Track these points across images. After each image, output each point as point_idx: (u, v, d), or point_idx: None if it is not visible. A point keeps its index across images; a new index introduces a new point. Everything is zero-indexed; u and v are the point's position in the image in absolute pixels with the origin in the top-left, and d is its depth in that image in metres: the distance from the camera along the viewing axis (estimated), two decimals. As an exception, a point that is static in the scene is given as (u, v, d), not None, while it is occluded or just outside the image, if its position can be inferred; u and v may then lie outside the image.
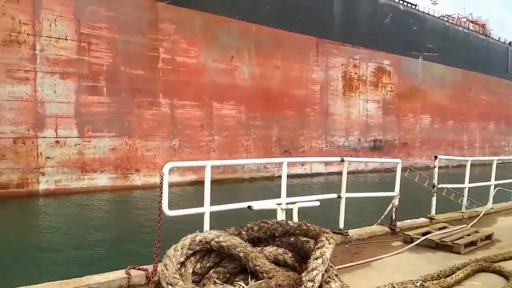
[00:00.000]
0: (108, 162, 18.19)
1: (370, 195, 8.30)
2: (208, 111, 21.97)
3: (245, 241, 3.85)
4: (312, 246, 3.85)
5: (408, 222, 7.90)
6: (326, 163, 28.19)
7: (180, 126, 20.76)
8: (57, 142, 16.88)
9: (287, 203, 5.75)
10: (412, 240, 6.44)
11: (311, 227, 4.08)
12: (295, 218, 5.45)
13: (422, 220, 8.17)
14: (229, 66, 23.03)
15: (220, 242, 3.74)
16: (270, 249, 3.90)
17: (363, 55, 31.11)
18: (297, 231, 4.07)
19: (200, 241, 3.80)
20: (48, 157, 16.59)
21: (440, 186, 8.58)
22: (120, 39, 18.77)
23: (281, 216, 5.47)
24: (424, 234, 6.65)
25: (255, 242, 4.00)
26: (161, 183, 4.39)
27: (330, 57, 28.81)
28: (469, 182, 9.27)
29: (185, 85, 20.95)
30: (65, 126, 17.11)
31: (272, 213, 5.45)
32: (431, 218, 8.28)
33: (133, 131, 19.05)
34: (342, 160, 6.93)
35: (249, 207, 5.27)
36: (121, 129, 18.67)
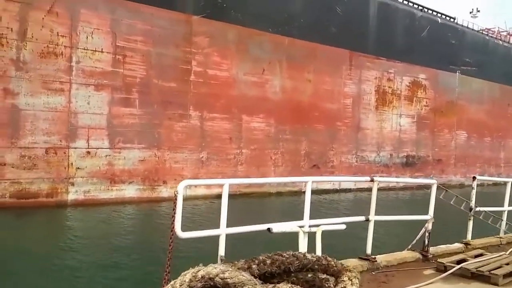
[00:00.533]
0: (137, 174, 18.36)
1: (401, 218, 7.71)
2: (237, 124, 21.89)
3: (256, 277, 3.46)
4: (332, 285, 3.49)
5: (442, 247, 7.49)
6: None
7: (209, 138, 20.77)
8: (88, 152, 17.16)
9: (310, 226, 5.41)
10: (445, 268, 6.00)
11: (332, 262, 3.61)
12: (318, 242, 5.19)
13: (456, 245, 7.73)
14: (260, 79, 22.91)
15: (226, 278, 3.31)
16: (284, 287, 3.50)
17: (398, 69, 30.37)
18: (316, 266, 3.65)
19: (202, 277, 3.35)
20: (78, 168, 16.88)
21: (478, 209, 8.10)
22: (154, 52, 18.96)
23: (303, 240, 5.18)
24: (459, 262, 6.24)
25: (267, 277, 3.61)
26: (174, 202, 4.14)
27: (364, 70, 28.25)
28: (509, 205, 8.78)
29: (216, 98, 20.96)
30: (97, 137, 17.38)
31: (294, 236, 5.20)
32: (467, 244, 7.81)
33: (163, 143, 19.17)
34: (372, 180, 6.43)
35: (268, 229, 4.93)
36: (151, 140, 18.83)
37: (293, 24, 24.17)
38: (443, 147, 33.54)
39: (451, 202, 7.50)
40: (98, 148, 17.42)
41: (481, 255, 6.81)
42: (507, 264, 6.20)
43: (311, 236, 5.26)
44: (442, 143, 33.47)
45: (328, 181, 7.19)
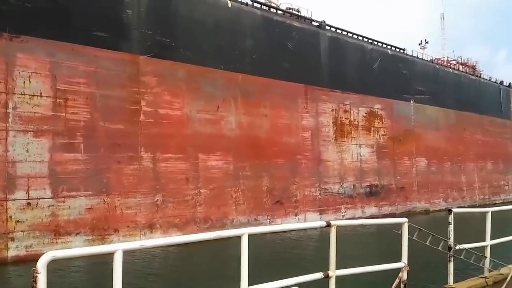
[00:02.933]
0: (84, 223, 17.07)
1: (369, 270, 6.09)
2: (193, 163, 21.11)
3: None
4: None
5: None
6: (322, 211, 27.12)
7: (164, 180, 19.83)
8: (29, 204, 15.86)
9: None
10: None
11: None
12: None
13: None
14: (215, 116, 22.44)
15: None
16: None
17: (353, 100, 30.75)
18: None
19: None
20: (18, 221, 15.51)
21: (458, 247, 7.04)
22: (99, 93, 18.23)
23: None
24: None
25: None
26: (33, 287, 2.91)
27: (320, 103, 28.38)
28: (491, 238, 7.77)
29: (169, 138, 20.22)
30: (38, 186, 16.15)
31: None
32: None
33: (112, 188, 18.08)
34: (329, 225, 5.18)
35: None
36: (99, 186, 17.71)
37: (246, 61, 24.14)
38: (405, 175, 33.71)
39: (427, 243, 6.39)
40: (39, 199, 16.16)
41: None
42: None
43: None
44: (403, 170, 33.67)
45: (267, 232, 6.03)
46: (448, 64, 44.85)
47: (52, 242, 16.15)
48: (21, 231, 15.52)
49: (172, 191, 20.03)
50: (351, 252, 15.43)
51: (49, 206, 16.37)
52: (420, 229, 6.23)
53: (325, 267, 5.13)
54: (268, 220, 23.93)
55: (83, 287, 12.92)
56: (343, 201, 28.53)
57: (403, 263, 5.88)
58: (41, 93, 16.70)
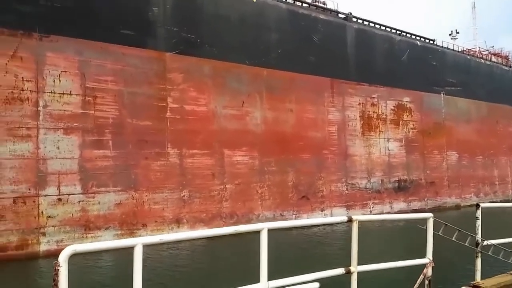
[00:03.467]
0: (113, 218, 17.42)
1: (392, 266, 5.90)
2: (219, 159, 21.19)
3: None
4: None
5: None
6: (348, 207, 26.80)
7: (190, 175, 19.99)
8: (60, 199, 16.28)
9: None
10: None
11: None
12: None
13: None
14: (240, 111, 22.42)
15: None
16: None
17: (381, 93, 30.14)
18: None
19: None
20: (49, 216, 15.95)
21: (485, 243, 6.82)
22: (126, 91, 18.48)
23: None
24: None
25: None
26: (55, 280, 2.92)
27: (346, 96, 27.94)
28: None
29: (195, 134, 20.35)
30: (68, 182, 16.56)
31: None
32: (476, 286, 6.57)
33: (140, 184, 18.36)
34: (351, 220, 5.07)
35: None
36: (127, 182, 18.01)
37: (271, 55, 23.97)
38: (435, 169, 32.89)
39: (453, 238, 6.20)
40: (70, 194, 16.56)
41: None
42: None
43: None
44: (433, 165, 32.85)
45: (287, 227, 5.94)
46: (480, 55, 43.30)
47: (82, 236, 16.55)
48: (52, 226, 15.96)
49: (198, 186, 20.18)
50: (374, 248, 15.02)
51: (79, 201, 16.77)
52: (446, 224, 6.07)
53: (348, 263, 5.06)
54: (294, 216, 23.82)
55: (105, 280, 13.16)
56: (370, 196, 28.11)
57: (427, 259, 5.75)
58: (70, 91, 17.05)
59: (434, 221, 5.82)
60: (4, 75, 15.54)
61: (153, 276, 12.70)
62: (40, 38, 16.49)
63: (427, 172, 32.24)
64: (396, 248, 15.87)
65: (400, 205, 29.67)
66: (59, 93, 16.72)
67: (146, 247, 3.51)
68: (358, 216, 5.22)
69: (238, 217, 21.33)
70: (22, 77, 15.92)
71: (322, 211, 25.32)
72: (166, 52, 19.76)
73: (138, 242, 3.45)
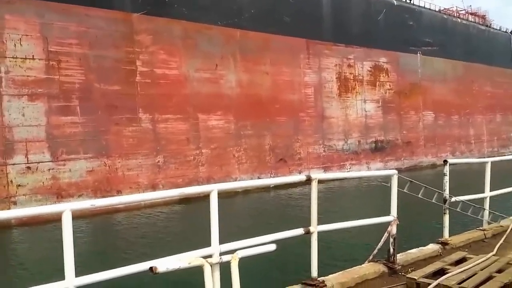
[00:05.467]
0: (86, 186, 17.14)
1: (353, 225, 5.68)
2: (193, 124, 20.88)
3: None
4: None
5: (413, 252, 6.03)
6: (326, 168, 26.98)
7: (164, 141, 19.68)
8: (29, 168, 15.87)
9: (221, 253, 3.85)
10: (419, 286, 4.70)
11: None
12: (235, 276, 3.69)
13: (431, 247, 6.29)
14: (213, 75, 21.96)
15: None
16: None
17: (357, 54, 29.89)
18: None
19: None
20: (19, 185, 15.58)
21: (453, 199, 6.68)
22: (92, 54, 17.80)
23: (210, 277, 3.58)
24: (435, 273, 4.97)
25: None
26: None
27: (322, 58, 27.63)
28: (490, 190, 7.37)
29: (167, 98, 19.90)
30: (36, 150, 16.10)
31: (197, 271, 3.57)
32: (444, 243, 6.44)
33: (112, 150, 18.00)
34: (309, 180, 4.79)
35: (151, 269, 3.30)
36: (99, 149, 17.63)
37: (244, 16, 23.33)
38: (411, 129, 33.24)
39: (419, 195, 6.03)
40: (39, 162, 16.14)
41: (463, 259, 5.54)
42: (499, 271, 4.98)
43: (226, 268, 3.77)
44: (410, 125, 33.16)
45: (239, 188, 5.65)
46: (457, 14, 43.13)
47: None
48: (23, 195, 15.61)
49: (173, 151, 19.93)
50: (337, 208, 14.58)
51: (49, 169, 16.38)
52: (411, 181, 5.88)
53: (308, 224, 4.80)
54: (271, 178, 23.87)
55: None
56: (347, 157, 28.32)
57: (392, 216, 5.57)
58: (33, 56, 16.34)
59: (399, 178, 5.64)
60: (-41, 40, 14.75)
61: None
62: (-4, 0, 15.60)
63: (404, 132, 32.55)
64: (360, 207, 15.74)
65: (377, 165, 30.02)
66: (21, 58, 16.01)
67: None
68: (317, 174, 4.98)
69: (216, 181, 21.24)
70: (-20, 42, 15.14)
71: (299, 173, 25.39)
72: (133, 13, 19.00)
73: (66, 208, 3.15)
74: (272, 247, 4.08)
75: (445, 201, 6.59)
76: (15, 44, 15.95)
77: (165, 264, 3.39)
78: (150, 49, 19.46)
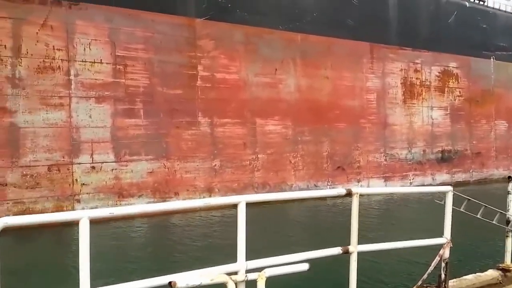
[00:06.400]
0: (146, 186, 17.59)
1: (399, 246, 5.07)
2: (251, 128, 20.81)
3: None
4: None
5: (469, 279, 5.45)
6: (387, 178, 25.87)
7: (221, 145, 19.77)
8: (93, 167, 16.55)
9: (247, 271, 3.54)
10: None
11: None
12: None
13: (490, 274, 5.71)
14: (273, 79, 21.76)
15: None
16: None
17: (425, 58, 28.39)
18: None
19: None
20: (83, 184, 16.29)
21: None
22: (156, 59, 18.26)
23: None
24: None
25: None
26: None
27: (387, 62, 26.52)
28: None
29: (226, 102, 19.99)
30: (101, 151, 16.76)
31: None
32: (505, 270, 5.79)
33: (172, 152, 18.35)
34: (350, 194, 4.40)
35: (170, 284, 3.11)
36: (159, 151, 18.04)
37: (306, 19, 22.92)
38: (482, 139, 31.05)
39: (478, 215, 5.43)
40: (103, 162, 16.79)
41: None
42: None
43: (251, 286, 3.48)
44: (481, 134, 30.99)
45: (266, 200, 4.62)
46: (538, 15, 39.80)
47: (116, 203, 16.84)
48: (87, 193, 16.30)
49: (230, 156, 19.96)
50: (382, 225, 13.79)
51: (112, 169, 16.99)
52: (469, 199, 5.29)
53: (348, 242, 4.38)
54: (328, 187, 23.26)
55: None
56: (411, 167, 26.98)
57: (445, 238, 5.02)
58: (101, 60, 17.02)
59: (455, 196, 5.04)
60: (36, 44, 15.66)
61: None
62: (69, 6, 16.41)
63: (473, 142, 30.48)
64: (409, 226, 14.47)
65: (443, 177, 28.34)
66: (90, 62, 16.73)
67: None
68: (359, 188, 4.63)
69: (271, 187, 21.06)
70: (53, 46, 15.99)
71: (358, 182, 24.58)
72: (197, 18, 19.26)
73: (84, 215, 3.08)
74: (305, 266, 3.78)
75: (508, 222, 5.92)
76: (84, 49, 16.69)
77: (185, 279, 3.22)
78: (211, 54, 19.64)
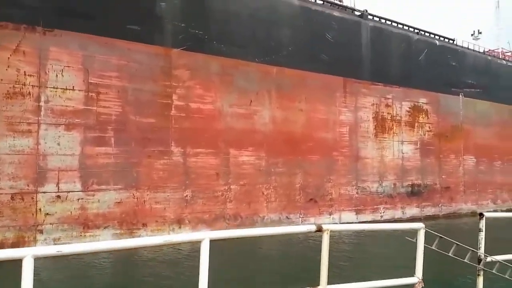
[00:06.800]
0: (113, 217, 17.14)
1: (371, 286, 4.97)
2: (224, 159, 20.73)
3: None
4: None
5: None
6: (358, 211, 26.06)
7: (194, 175, 19.58)
8: (58, 196, 16.06)
9: None
10: None
11: None
12: None
13: None
14: (248, 110, 21.90)
15: None
16: None
17: (396, 94, 29.20)
18: None
19: None
20: (47, 213, 15.74)
21: (489, 259, 5.89)
22: (131, 87, 18.15)
23: None
24: None
25: None
26: None
27: (359, 97, 27.14)
28: None
29: (200, 132, 19.92)
30: (68, 179, 16.32)
31: None
32: None
33: (142, 182, 18.03)
34: (320, 230, 4.29)
35: None
36: (129, 180, 17.70)
37: (281, 53, 23.36)
38: (451, 174, 31.82)
39: (450, 253, 5.38)
40: (69, 192, 16.33)
41: None
42: None
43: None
44: (449, 169, 31.78)
45: (231, 237, 4.57)
46: (503, 56, 41.80)
47: (80, 235, 16.32)
48: (50, 223, 15.75)
49: (202, 186, 19.76)
50: (351, 263, 13.58)
51: (78, 199, 16.52)
52: (441, 237, 5.21)
53: (316, 282, 4.28)
54: (300, 219, 23.25)
55: None
56: (382, 200, 27.30)
57: (416, 278, 4.91)
58: (73, 87, 16.79)
59: (426, 233, 5.00)
60: (6, 69, 15.35)
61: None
62: (43, 32, 16.25)
63: (443, 176, 31.20)
64: (380, 263, 14.36)
65: (413, 210, 28.78)
66: (61, 89, 16.47)
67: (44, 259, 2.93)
68: (329, 225, 4.40)
69: (242, 219, 20.88)
70: (24, 72, 15.71)
71: (330, 215, 24.67)
72: (173, 48, 19.34)
73: (28, 253, 2.90)
74: None
75: (479, 261, 5.80)
76: (57, 75, 16.46)
77: None
78: (186, 84, 19.67)
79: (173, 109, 19.25)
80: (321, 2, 26.95)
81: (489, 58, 38.19)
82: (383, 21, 29.61)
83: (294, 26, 23.91)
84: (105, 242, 3.27)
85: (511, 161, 37.15)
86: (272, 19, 23.06)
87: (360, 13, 28.12)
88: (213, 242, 3.63)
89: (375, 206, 26.79)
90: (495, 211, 33.88)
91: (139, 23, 18.37)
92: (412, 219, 28.06)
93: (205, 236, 3.58)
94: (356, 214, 25.59)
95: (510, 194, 36.87)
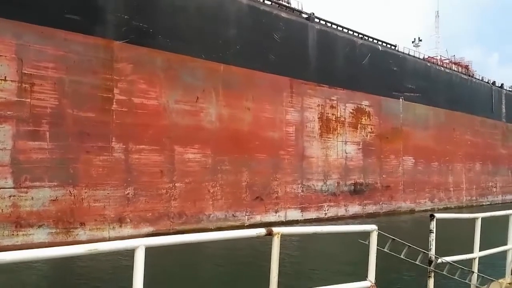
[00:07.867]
0: (48, 215, 16.24)
1: None
2: (169, 156, 20.29)
3: None
4: None
5: None
6: (303, 209, 26.46)
7: (136, 172, 19.00)
8: (-13, 193, 15.00)
9: None
10: None
11: None
12: None
13: None
14: (194, 107, 21.59)
15: None
16: None
17: (341, 96, 30.02)
18: None
19: None
20: (-26, 211, 14.66)
21: (440, 261, 5.85)
22: (68, 79, 17.31)
23: None
24: None
25: None
26: None
27: (306, 97, 27.62)
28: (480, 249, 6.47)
29: (143, 128, 19.38)
30: (-2, 175, 15.28)
31: None
32: None
33: (80, 179, 17.23)
34: (270, 234, 3.96)
35: None
36: (65, 177, 16.85)
37: (229, 51, 23.27)
38: (391, 173, 33.13)
39: (402, 255, 5.29)
40: (0, 188, 15.28)
41: None
42: None
43: None
44: (390, 169, 33.08)
45: (169, 244, 3.35)
46: (441, 63, 44.22)
47: (13, 234, 15.33)
48: (-23, 222, 14.68)
49: (145, 184, 19.22)
50: (303, 267, 13.20)
51: (10, 196, 15.52)
52: (394, 239, 5.09)
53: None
54: (246, 217, 23.24)
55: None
56: (326, 198, 27.90)
57: (369, 281, 4.72)
58: (5, 77, 15.77)
59: (379, 235, 4.81)
60: None
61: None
62: (-29, 18, 15.15)
63: (383, 176, 32.41)
64: (333, 265, 14.10)
65: (355, 208, 29.66)
66: (-9, 78, 15.41)
67: None
68: (280, 228, 4.08)
69: (187, 217, 20.53)
70: None
71: (276, 212, 24.86)
72: (115, 40, 18.70)
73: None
74: None
75: (430, 262, 5.75)
76: (-13, 64, 15.38)
77: None
78: (129, 78, 19.08)
79: (114, 103, 18.59)
80: (269, 2, 27.22)
81: (429, 64, 40.27)
82: (329, 24, 30.35)
83: (242, 24, 23.92)
84: (28, 251, 2.66)
85: (447, 162, 39.34)
86: (219, 16, 22.93)
87: (307, 16, 28.66)
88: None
89: (320, 204, 27.32)
90: (432, 209, 35.67)
91: (79, 13, 17.59)
92: (355, 217, 28.93)
93: (139, 243, 3.05)
94: (301, 211, 25.96)
95: (446, 193, 39.00)
